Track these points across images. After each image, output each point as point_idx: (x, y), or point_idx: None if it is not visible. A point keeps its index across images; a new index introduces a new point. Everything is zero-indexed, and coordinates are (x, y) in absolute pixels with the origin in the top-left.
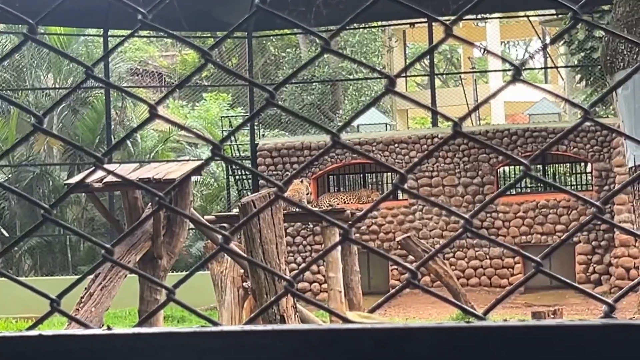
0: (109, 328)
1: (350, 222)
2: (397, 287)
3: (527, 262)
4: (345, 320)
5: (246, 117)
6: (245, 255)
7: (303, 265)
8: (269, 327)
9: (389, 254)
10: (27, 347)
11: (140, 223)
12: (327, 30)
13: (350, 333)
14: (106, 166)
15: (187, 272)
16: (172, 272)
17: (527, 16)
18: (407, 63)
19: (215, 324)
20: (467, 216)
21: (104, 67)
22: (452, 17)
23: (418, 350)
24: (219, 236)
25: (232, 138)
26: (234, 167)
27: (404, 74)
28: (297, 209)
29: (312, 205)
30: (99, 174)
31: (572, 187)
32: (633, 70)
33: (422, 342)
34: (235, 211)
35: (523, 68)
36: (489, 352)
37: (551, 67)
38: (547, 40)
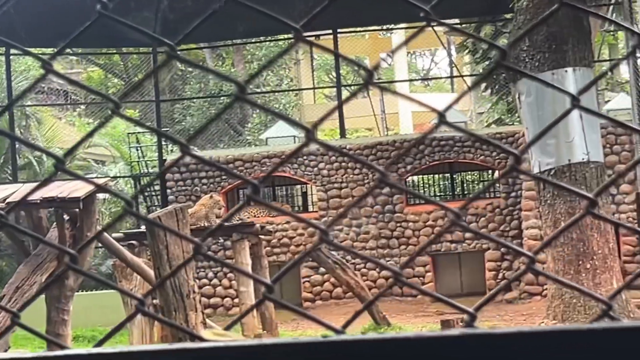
0: None
1: (206, 234)
2: (253, 304)
3: (438, 270)
4: (199, 338)
5: (155, 132)
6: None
7: (214, 280)
8: (117, 349)
9: (241, 270)
10: None
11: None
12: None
13: (203, 352)
14: (10, 185)
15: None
16: (80, 291)
17: (432, 26)
18: (314, 75)
19: (62, 347)
20: (323, 227)
21: (6, 86)
22: (368, 28)
23: None
24: (128, 254)
25: (140, 154)
26: (143, 183)
27: (311, 86)
28: (206, 224)
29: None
30: (2, 193)
31: (481, 195)
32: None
33: (278, 358)
34: (143, 228)
35: (430, 78)
36: None
37: (457, 76)
38: (452, 50)
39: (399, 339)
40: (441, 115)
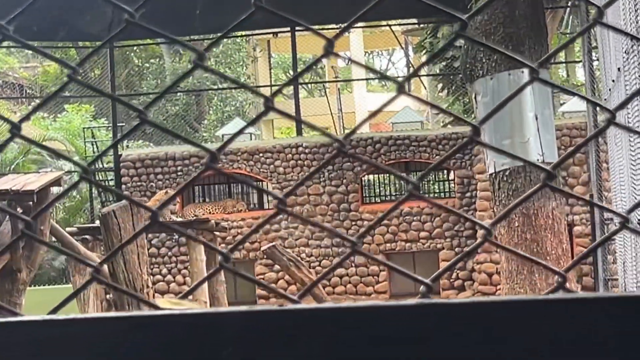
0: None
1: (154, 212)
2: (209, 273)
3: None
4: (154, 307)
5: (109, 127)
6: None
7: (168, 276)
8: (72, 315)
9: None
10: None
11: None
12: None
13: (160, 319)
14: None
15: None
16: (33, 286)
17: (390, 25)
18: (271, 73)
19: (14, 314)
20: (280, 196)
21: None
22: (325, 26)
23: (230, 334)
24: (82, 248)
25: (96, 149)
26: (98, 178)
27: (269, 84)
28: (160, 219)
29: (177, 216)
30: None
31: (435, 195)
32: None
33: (233, 326)
34: (97, 223)
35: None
36: (302, 333)
37: (414, 76)
38: (410, 50)
39: (355, 308)
40: (402, 86)
